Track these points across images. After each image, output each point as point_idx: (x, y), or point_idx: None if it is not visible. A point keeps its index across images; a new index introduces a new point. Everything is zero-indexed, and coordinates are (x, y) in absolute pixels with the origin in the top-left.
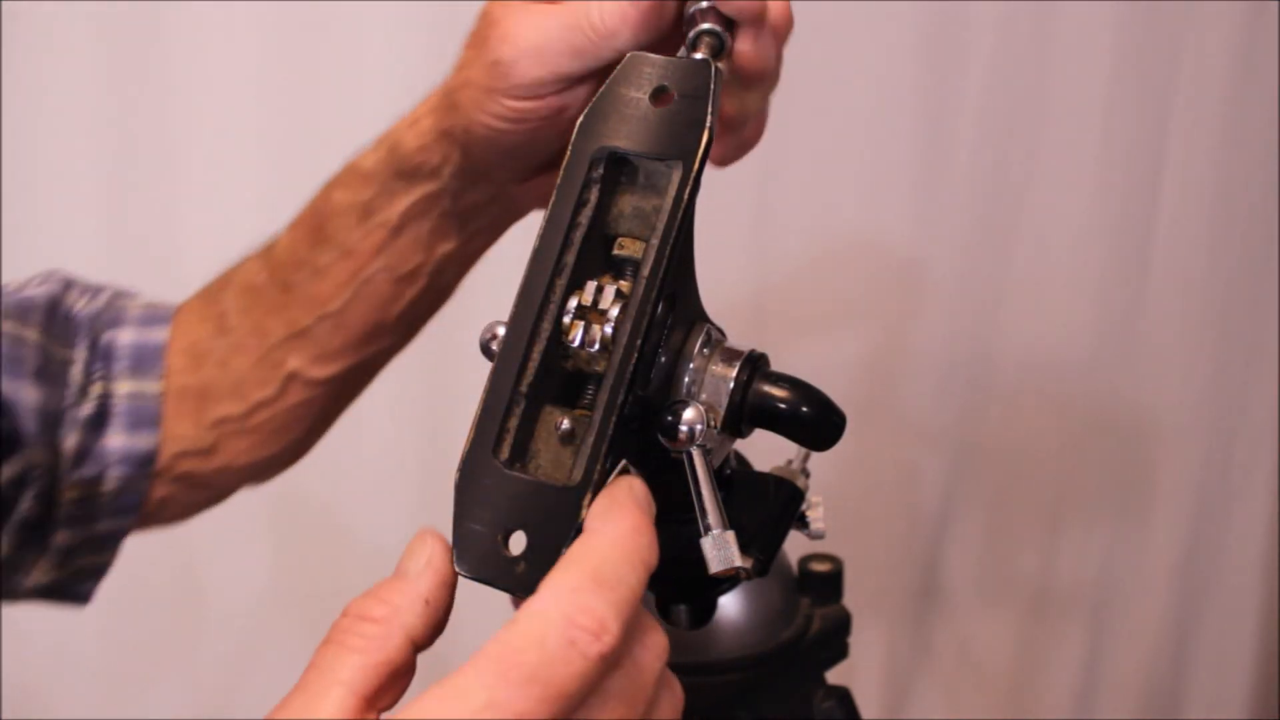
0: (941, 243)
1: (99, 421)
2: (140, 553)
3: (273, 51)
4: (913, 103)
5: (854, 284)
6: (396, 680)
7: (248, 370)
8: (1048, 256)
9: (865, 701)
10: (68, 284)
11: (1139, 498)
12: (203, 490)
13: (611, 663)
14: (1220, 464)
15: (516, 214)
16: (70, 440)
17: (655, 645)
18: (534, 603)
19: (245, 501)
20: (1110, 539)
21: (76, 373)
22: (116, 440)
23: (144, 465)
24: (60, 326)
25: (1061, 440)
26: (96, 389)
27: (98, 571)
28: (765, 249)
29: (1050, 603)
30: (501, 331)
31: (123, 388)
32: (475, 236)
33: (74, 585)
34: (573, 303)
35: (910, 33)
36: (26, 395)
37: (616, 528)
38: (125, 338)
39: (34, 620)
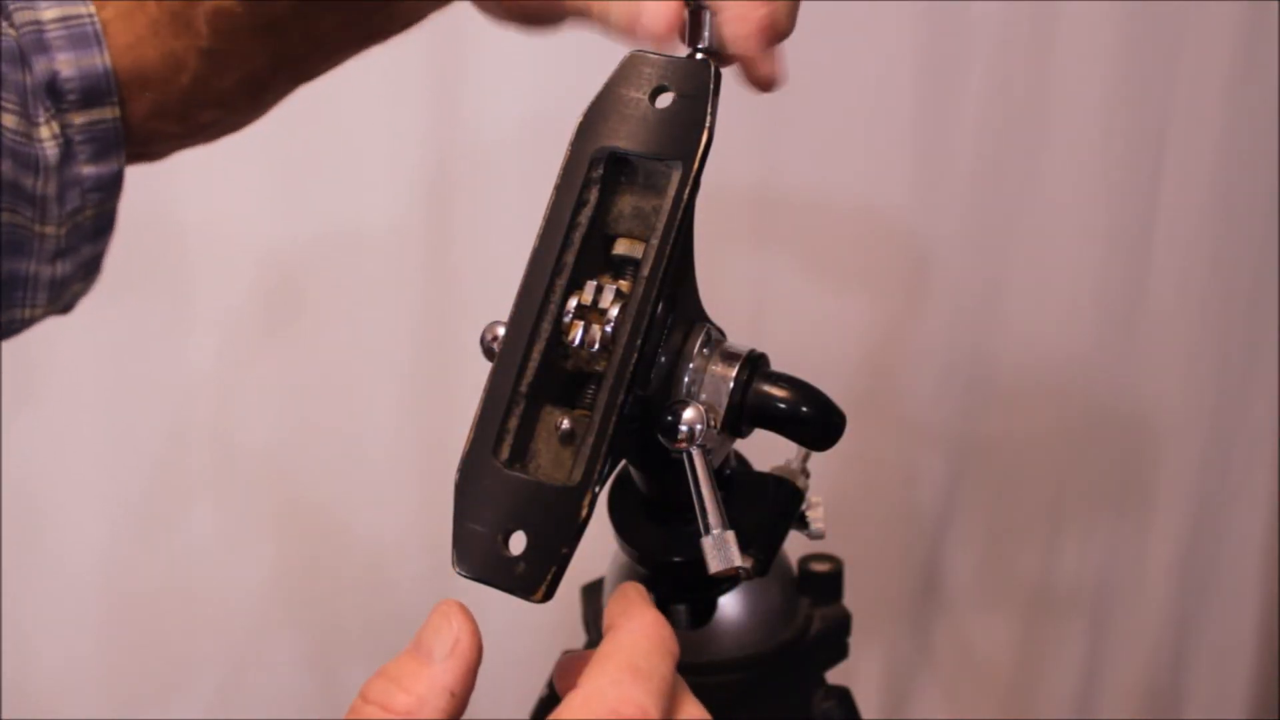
0: (941, 243)
1: (66, 156)
2: (141, 552)
3: None
4: (912, 101)
5: (854, 284)
6: None
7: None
8: (1047, 256)
9: (865, 701)
10: None
11: (1139, 497)
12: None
13: None
14: (1220, 464)
15: None
16: (50, 186)
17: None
18: (575, 697)
19: (245, 501)
20: (1110, 538)
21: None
22: (88, 169)
23: (115, 185)
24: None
25: (1062, 440)
26: (54, 127)
27: (83, 293)
28: (765, 249)
29: (1050, 602)
30: (502, 331)
31: (78, 118)
32: None
33: (60, 307)
34: (573, 302)
35: (910, 31)
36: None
37: (641, 621)
38: (66, 69)
39: (34, 620)
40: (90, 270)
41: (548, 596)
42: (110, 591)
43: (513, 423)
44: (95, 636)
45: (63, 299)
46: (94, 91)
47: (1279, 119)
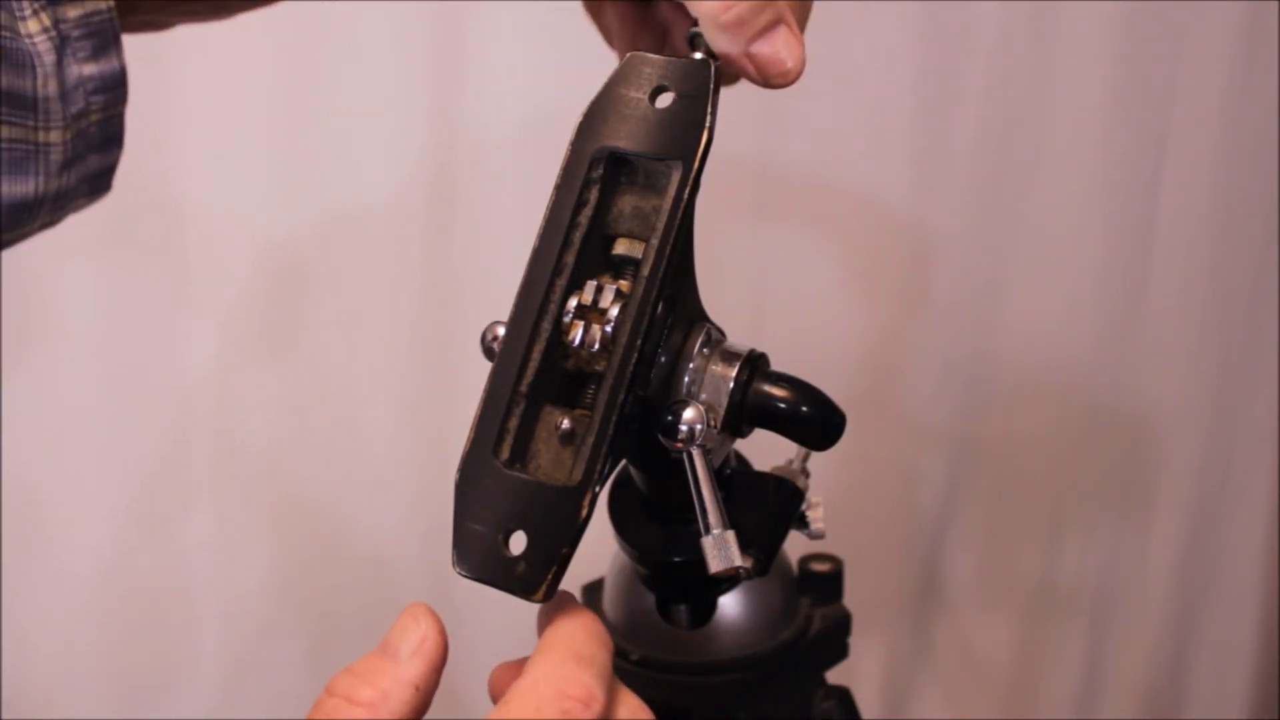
0: (942, 242)
1: (62, 54)
2: (141, 552)
3: (269, 46)
4: (912, 102)
5: (854, 283)
6: None
7: None
8: (1048, 256)
9: (865, 701)
10: None
11: (1139, 497)
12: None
13: None
14: (1220, 464)
15: None
16: (50, 85)
17: (637, 709)
18: (523, 682)
19: (246, 501)
20: (1110, 538)
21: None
22: (88, 68)
23: (120, 86)
24: None
25: (1062, 440)
26: (44, 19)
27: (83, 207)
28: (765, 248)
29: (1051, 602)
30: (502, 331)
31: (71, 11)
32: None
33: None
34: (573, 302)
35: (910, 32)
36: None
37: (576, 615)
38: None
39: (34, 620)
40: (96, 187)
41: (548, 597)
42: (110, 590)
43: (513, 423)
44: (95, 636)
45: (63, 213)
46: None
47: (1279, 119)
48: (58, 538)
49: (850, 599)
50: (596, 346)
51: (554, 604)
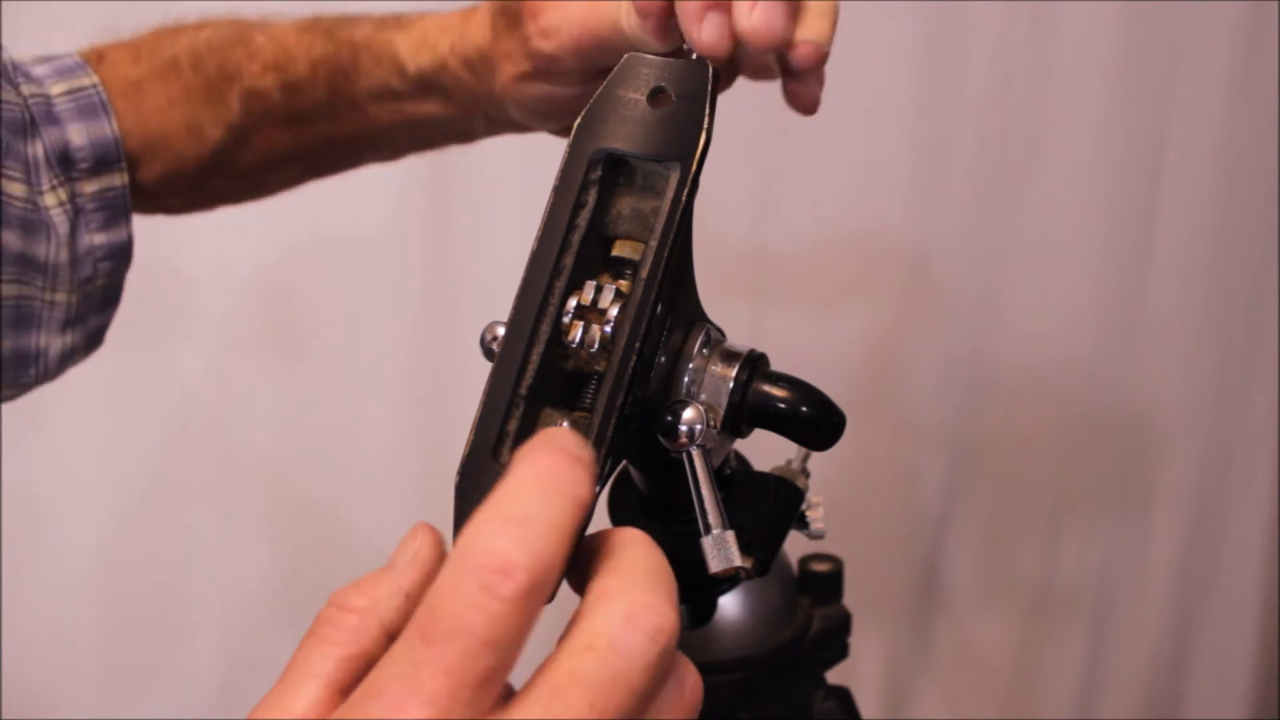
0: (941, 243)
1: (76, 225)
2: (141, 552)
3: None
4: (912, 102)
5: (854, 284)
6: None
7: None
8: (1048, 256)
9: (865, 701)
10: None
11: (1139, 497)
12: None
13: (531, 601)
14: (1220, 464)
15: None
16: (63, 253)
17: (635, 615)
18: (448, 559)
19: (245, 502)
20: (1110, 539)
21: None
22: (99, 238)
23: (126, 254)
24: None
25: (1062, 440)
26: (61, 195)
27: (79, 362)
28: (765, 249)
29: (1050, 602)
30: (501, 332)
31: (88, 186)
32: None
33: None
34: (572, 303)
35: (910, 33)
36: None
37: (525, 465)
38: (77, 138)
39: (34, 620)
40: (93, 342)
41: (548, 598)
42: (110, 591)
43: (512, 424)
44: (95, 636)
45: (63, 368)
46: (104, 159)
47: (1279, 119)
48: (58, 539)
49: (850, 599)
50: (596, 347)
51: (526, 444)
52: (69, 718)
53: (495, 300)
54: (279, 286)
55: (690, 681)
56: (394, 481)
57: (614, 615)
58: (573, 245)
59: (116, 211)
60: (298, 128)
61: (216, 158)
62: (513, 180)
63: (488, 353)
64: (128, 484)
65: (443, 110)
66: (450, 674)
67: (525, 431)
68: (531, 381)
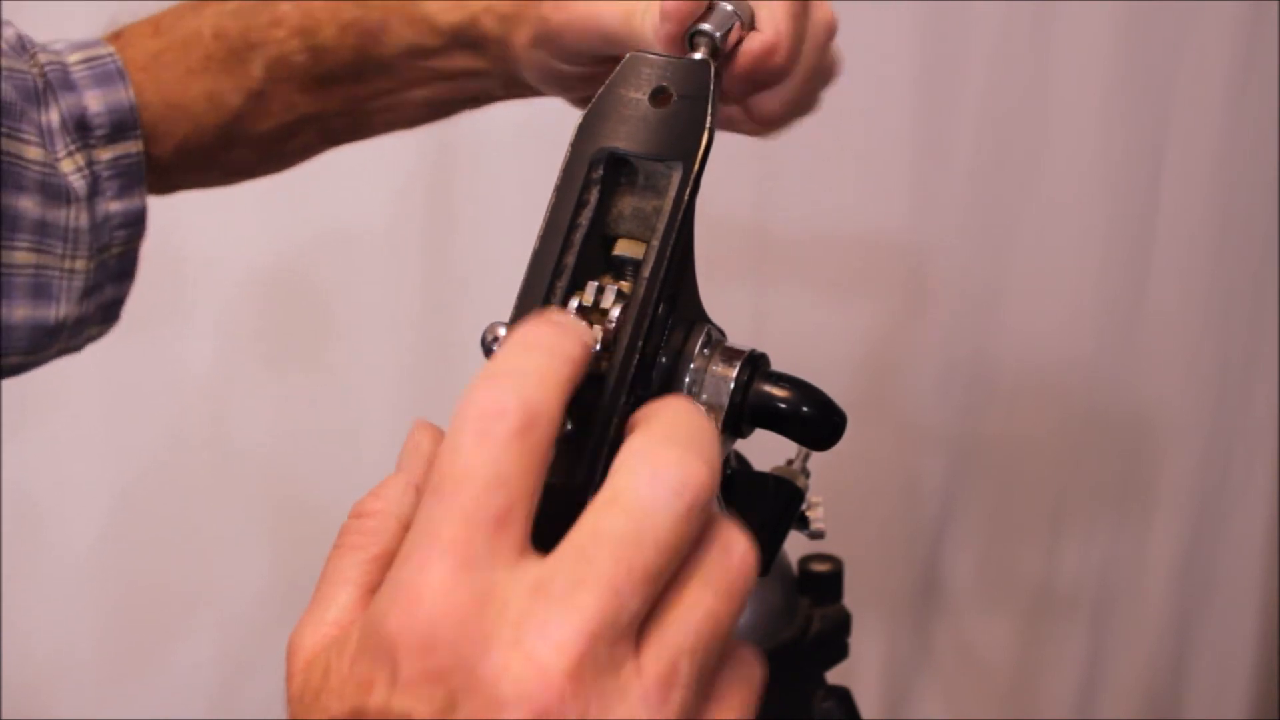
0: (942, 243)
1: (94, 191)
2: (141, 553)
3: None
4: (912, 101)
5: (854, 284)
6: None
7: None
8: (1048, 256)
9: (865, 701)
10: None
11: (1139, 497)
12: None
13: (526, 439)
14: (1220, 464)
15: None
16: (82, 218)
17: (660, 470)
18: (448, 425)
19: (245, 503)
20: (1110, 539)
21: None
22: (115, 205)
23: (140, 223)
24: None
25: (1062, 440)
26: (78, 160)
27: (97, 336)
28: (765, 248)
29: (1050, 602)
30: (503, 332)
31: (104, 153)
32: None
33: (73, 346)
34: (573, 303)
35: (910, 32)
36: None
37: (509, 334)
38: (94, 104)
39: (34, 620)
40: (109, 314)
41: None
42: (110, 591)
43: None
44: (95, 636)
45: (79, 339)
46: (121, 125)
47: (1279, 119)
48: (58, 539)
49: (850, 599)
50: (598, 347)
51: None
52: (69, 718)
53: (497, 300)
54: (280, 286)
55: (739, 549)
56: None
57: (638, 471)
58: (574, 245)
59: (132, 179)
60: (320, 90)
61: (234, 125)
62: (514, 180)
63: (489, 353)
64: (127, 483)
65: (474, 64)
66: (464, 518)
67: None
68: None
